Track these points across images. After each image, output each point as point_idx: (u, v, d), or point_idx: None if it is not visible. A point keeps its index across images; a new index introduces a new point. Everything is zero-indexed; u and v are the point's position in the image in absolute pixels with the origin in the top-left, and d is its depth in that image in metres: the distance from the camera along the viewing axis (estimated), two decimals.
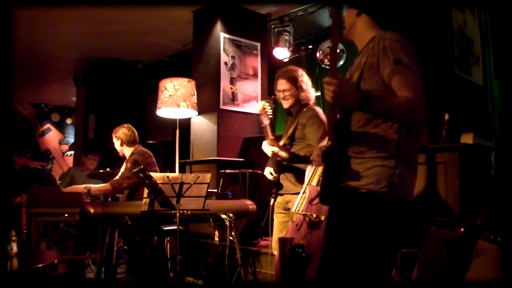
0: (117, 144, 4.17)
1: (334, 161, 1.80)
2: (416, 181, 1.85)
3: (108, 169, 4.75)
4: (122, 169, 4.13)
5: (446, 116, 3.46)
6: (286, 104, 3.16)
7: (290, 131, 3.14)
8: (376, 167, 1.74)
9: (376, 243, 1.75)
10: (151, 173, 2.87)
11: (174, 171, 4.72)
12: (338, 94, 1.65)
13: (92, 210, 3.05)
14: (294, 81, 3.09)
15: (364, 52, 1.88)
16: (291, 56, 5.48)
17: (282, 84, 3.12)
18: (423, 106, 1.68)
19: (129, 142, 4.13)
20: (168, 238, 4.07)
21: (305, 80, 3.14)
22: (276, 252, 3.08)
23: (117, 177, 4.08)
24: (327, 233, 2.00)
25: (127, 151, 4.15)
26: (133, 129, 4.21)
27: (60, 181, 6.63)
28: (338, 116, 1.87)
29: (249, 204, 3.67)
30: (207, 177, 2.96)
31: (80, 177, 5.74)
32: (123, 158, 4.26)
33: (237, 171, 4.50)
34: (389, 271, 1.83)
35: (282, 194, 3.15)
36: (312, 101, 3.19)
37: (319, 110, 3.13)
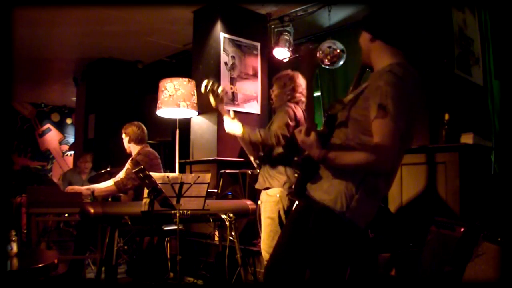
0: (125, 140, 4.16)
1: (304, 169, 1.90)
2: (374, 213, 1.86)
3: (108, 168, 4.74)
4: (127, 165, 4.12)
5: (446, 116, 3.47)
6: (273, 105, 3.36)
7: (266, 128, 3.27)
8: (338, 187, 1.78)
9: (321, 255, 1.81)
10: (151, 173, 2.86)
11: (174, 171, 4.71)
12: (302, 145, 1.84)
13: (92, 210, 3.05)
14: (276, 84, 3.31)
15: (370, 78, 1.85)
16: (291, 56, 5.48)
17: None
18: (389, 158, 1.68)
19: (137, 140, 4.11)
20: (168, 238, 4.07)
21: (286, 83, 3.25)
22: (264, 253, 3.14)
23: (120, 174, 4.06)
24: (285, 230, 2.04)
25: (134, 149, 4.13)
26: (143, 127, 4.19)
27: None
28: (322, 128, 1.90)
29: (249, 204, 3.67)
30: (207, 177, 2.96)
31: (78, 181, 5.74)
32: (124, 157, 4.24)
33: (237, 171, 4.50)
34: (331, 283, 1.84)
35: (259, 190, 3.24)
36: (292, 100, 3.22)
37: (292, 106, 3.17)
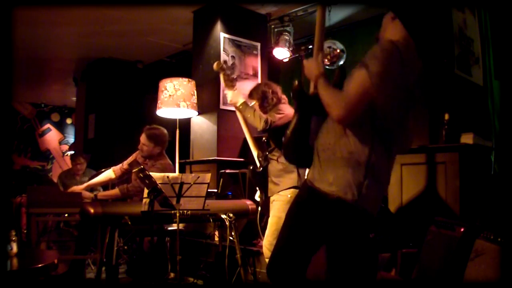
0: (144, 142, 4.01)
1: (301, 97, 1.94)
2: (381, 199, 1.86)
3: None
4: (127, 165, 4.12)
5: (446, 116, 3.46)
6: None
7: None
8: (345, 176, 1.76)
9: (341, 245, 1.80)
10: (151, 173, 2.87)
11: (174, 171, 4.71)
12: (305, 68, 1.93)
13: (92, 210, 3.05)
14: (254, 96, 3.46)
15: None
16: (291, 56, 5.47)
17: None
18: (342, 110, 1.70)
19: (157, 145, 3.99)
20: (168, 238, 4.07)
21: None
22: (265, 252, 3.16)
23: (123, 164, 4.07)
24: (286, 225, 1.98)
25: (153, 154, 4.01)
26: (165, 132, 4.05)
27: None
28: (334, 78, 1.93)
29: (249, 204, 3.67)
30: (207, 177, 2.96)
31: (72, 183, 5.71)
32: (124, 157, 4.23)
33: (237, 171, 4.50)
34: (363, 275, 1.84)
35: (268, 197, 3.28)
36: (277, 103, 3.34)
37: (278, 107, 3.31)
